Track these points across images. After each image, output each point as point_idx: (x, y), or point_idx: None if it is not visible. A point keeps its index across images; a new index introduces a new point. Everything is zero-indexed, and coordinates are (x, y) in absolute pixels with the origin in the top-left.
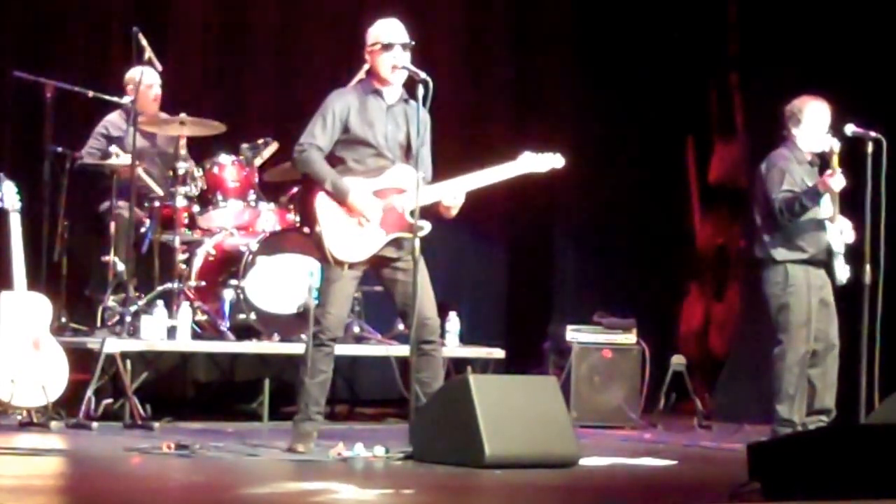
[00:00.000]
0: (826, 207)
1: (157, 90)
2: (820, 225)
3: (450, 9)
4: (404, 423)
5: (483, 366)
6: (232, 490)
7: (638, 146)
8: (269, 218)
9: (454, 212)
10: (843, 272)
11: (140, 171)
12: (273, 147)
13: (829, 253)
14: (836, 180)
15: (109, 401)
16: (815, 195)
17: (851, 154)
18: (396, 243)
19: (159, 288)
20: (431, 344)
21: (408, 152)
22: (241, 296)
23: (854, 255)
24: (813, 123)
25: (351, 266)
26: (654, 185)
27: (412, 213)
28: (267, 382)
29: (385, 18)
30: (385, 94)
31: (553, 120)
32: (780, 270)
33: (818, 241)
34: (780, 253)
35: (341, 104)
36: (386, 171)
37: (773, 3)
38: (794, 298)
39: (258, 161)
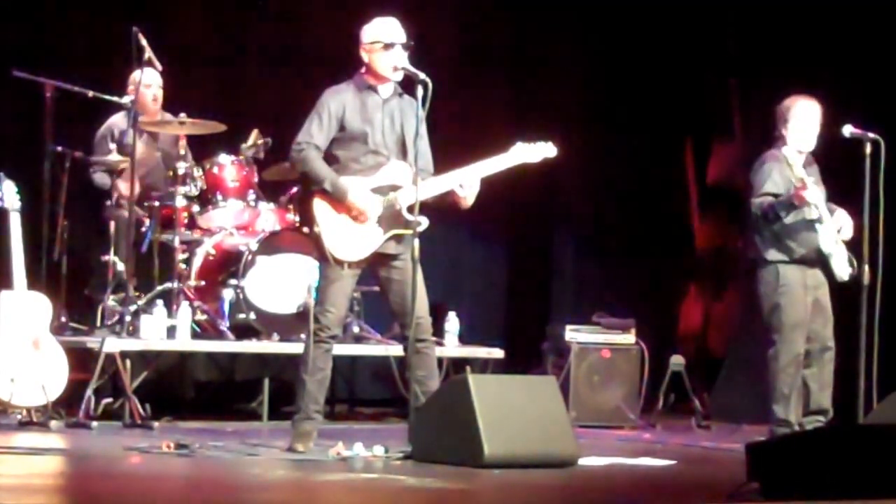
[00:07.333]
0: (813, 210)
1: (156, 90)
2: (810, 225)
3: (449, 6)
4: (403, 423)
5: (482, 366)
6: (232, 490)
7: (637, 147)
8: (268, 218)
9: (470, 201)
10: (842, 269)
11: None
12: (254, 134)
13: (820, 253)
14: (811, 193)
15: (109, 400)
16: (788, 206)
17: (850, 155)
18: (396, 239)
19: (159, 287)
20: (424, 342)
21: (403, 147)
22: (241, 295)
23: (854, 253)
24: (801, 122)
25: (350, 265)
26: (653, 186)
27: (410, 210)
28: (266, 382)
29: (383, 16)
30: (380, 89)
31: (552, 121)
32: (772, 270)
33: (808, 240)
34: (771, 253)
35: (336, 102)
36: (382, 168)
37: (772, 5)
38: (785, 299)
39: (246, 148)
